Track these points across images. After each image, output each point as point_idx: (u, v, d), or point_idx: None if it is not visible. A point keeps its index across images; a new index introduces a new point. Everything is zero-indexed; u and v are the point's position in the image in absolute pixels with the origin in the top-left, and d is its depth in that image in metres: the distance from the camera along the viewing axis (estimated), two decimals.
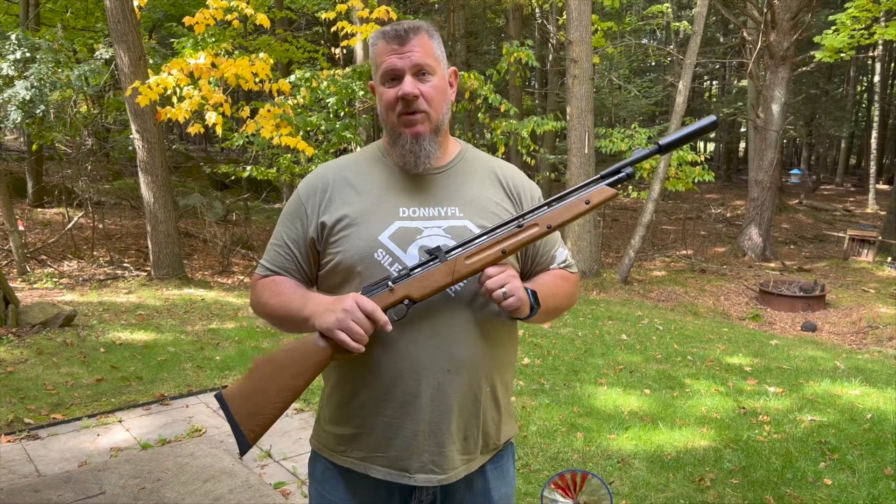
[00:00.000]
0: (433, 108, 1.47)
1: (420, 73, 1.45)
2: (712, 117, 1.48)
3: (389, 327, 1.37)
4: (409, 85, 1.44)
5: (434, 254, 1.41)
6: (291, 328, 1.52)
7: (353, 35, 7.60)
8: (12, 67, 8.84)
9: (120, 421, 4.31)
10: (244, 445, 1.40)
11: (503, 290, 1.39)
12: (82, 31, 14.18)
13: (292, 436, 4.08)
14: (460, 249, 1.43)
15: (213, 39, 10.51)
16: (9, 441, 3.95)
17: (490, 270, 1.41)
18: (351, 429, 1.52)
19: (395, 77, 1.46)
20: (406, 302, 1.40)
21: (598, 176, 1.47)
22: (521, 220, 1.45)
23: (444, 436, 1.47)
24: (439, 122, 1.50)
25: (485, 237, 1.44)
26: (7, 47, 9.10)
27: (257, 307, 1.59)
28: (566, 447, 4.01)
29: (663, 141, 1.46)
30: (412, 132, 1.47)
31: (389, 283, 1.40)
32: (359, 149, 1.57)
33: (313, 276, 1.59)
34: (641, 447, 4.05)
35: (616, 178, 1.46)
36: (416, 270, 1.41)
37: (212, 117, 6.98)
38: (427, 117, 1.47)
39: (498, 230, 1.45)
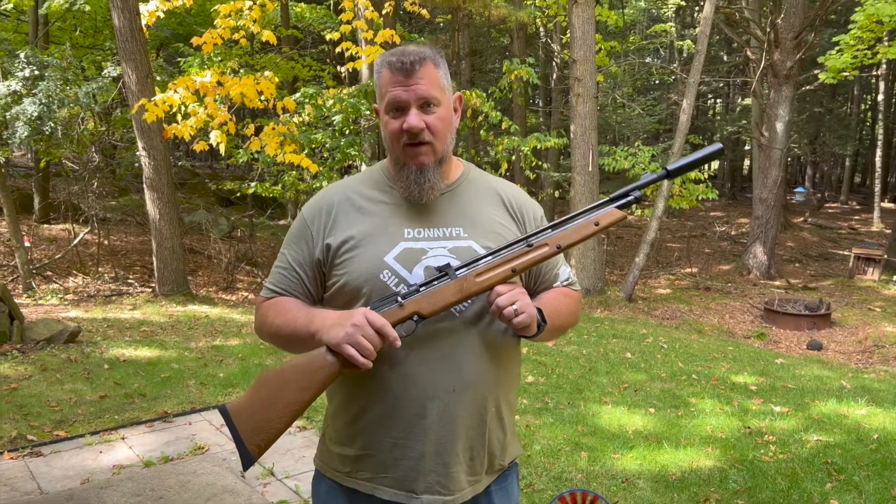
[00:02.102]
0: (438, 140, 1.48)
1: (425, 105, 1.45)
2: (718, 145, 1.51)
3: (399, 343, 1.37)
4: (414, 118, 1.44)
5: (443, 271, 1.42)
6: (298, 347, 1.50)
7: (357, 57, 7.65)
8: (20, 84, 8.93)
9: (123, 438, 4.31)
10: (248, 460, 1.38)
11: (514, 307, 1.39)
12: (91, 49, 14.30)
13: (295, 454, 4.07)
14: (470, 267, 1.43)
15: (220, 58, 10.61)
16: (11, 458, 3.94)
17: (500, 288, 1.41)
18: (356, 449, 1.52)
19: (399, 108, 1.46)
20: (415, 318, 1.40)
21: (608, 198, 1.49)
22: (530, 239, 1.46)
23: (450, 456, 1.47)
24: (444, 152, 1.51)
25: (494, 255, 1.45)
26: (16, 65, 9.20)
27: (262, 328, 1.57)
28: (570, 466, 3.98)
29: (671, 166, 1.49)
30: (417, 164, 1.48)
31: (399, 298, 1.40)
32: (364, 167, 1.58)
33: (319, 297, 1.58)
34: (646, 467, 4.02)
35: (625, 200, 1.48)
36: (425, 287, 1.41)
37: (216, 135, 7.02)
38: (432, 149, 1.48)
39: (507, 249, 1.46)
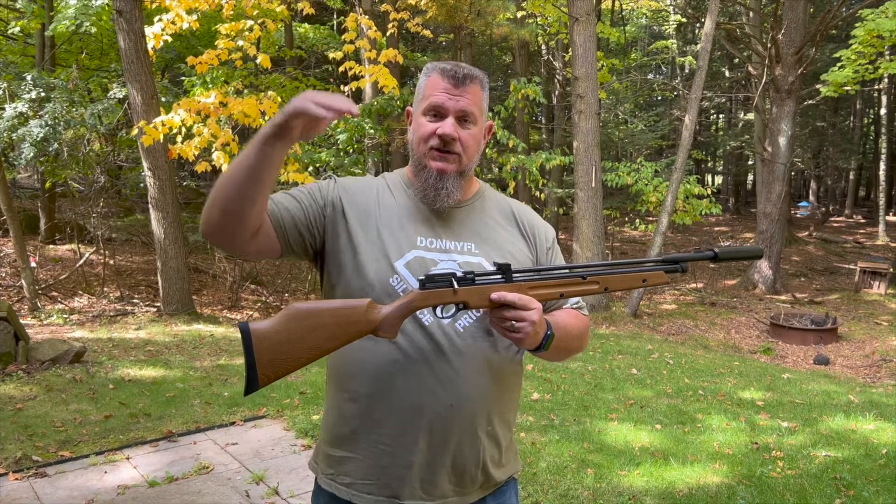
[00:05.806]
0: (466, 154, 1.52)
1: (463, 118, 1.50)
2: (759, 249, 1.67)
3: (356, 110, 1.30)
4: (449, 126, 1.48)
5: (502, 269, 1.43)
6: (248, 176, 1.30)
7: (361, 76, 7.71)
8: (26, 106, 9.02)
9: (127, 458, 4.30)
10: (252, 388, 1.34)
11: (516, 324, 1.38)
12: (96, 71, 14.43)
13: (300, 473, 4.05)
14: (526, 276, 1.45)
15: (224, 79, 10.69)
16: (16, 478, 3.94)
17: (516, 301, 1.39)
18: (343, 451, 1.52)
19: (438, 114, 1.50)
20: (460, 305, 1.41)
21: (661, 259, 1.55)
22: (582, 271, 1.50)
23: (438, 467, 1.48)
24: (467, 168, 1.55)
25: (553, 273, 1.48)
26: (23, 87, 9.30)
27: (208, 203, 1.36)
28: (576, 484, 3.96)
29: (719, 251, 1.56)
30: (438, 168, 1.51)
31: (455, 282, 1.40)
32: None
33: (311, 239, 1.53)
34: (653, 484, 4.00)
35: (672, 267, 1.55)
36: (480, 278, 1.42)
37: (220, 157, 7.07)
38: (458, 160, 1.52)
39: (561, 271, 1.50)
